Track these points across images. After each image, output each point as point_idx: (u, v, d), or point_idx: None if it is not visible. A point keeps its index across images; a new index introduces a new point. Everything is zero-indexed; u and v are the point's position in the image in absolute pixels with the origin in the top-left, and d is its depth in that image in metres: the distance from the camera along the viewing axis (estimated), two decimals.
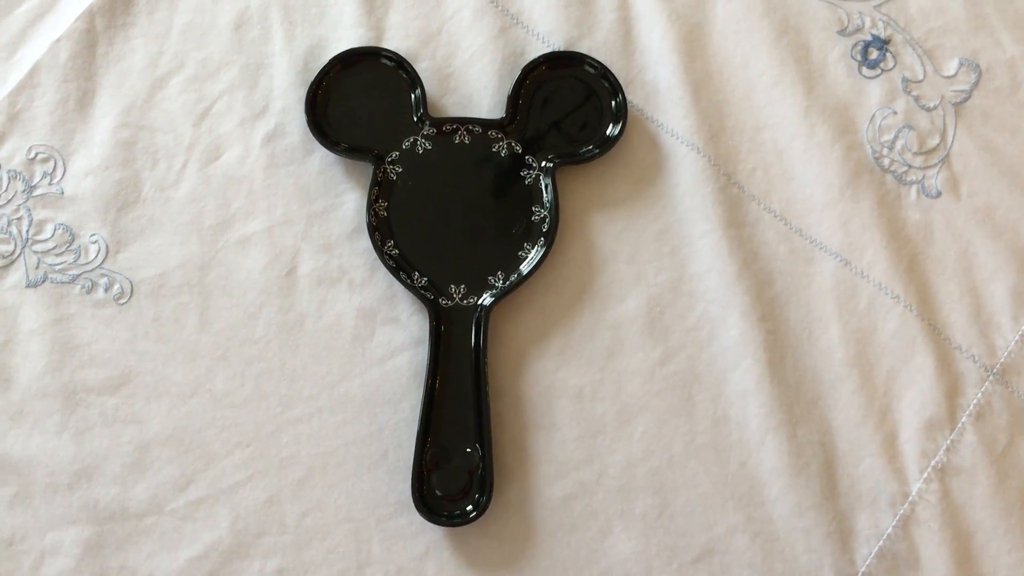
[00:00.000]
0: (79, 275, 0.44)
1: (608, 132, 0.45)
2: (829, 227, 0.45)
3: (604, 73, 0.45)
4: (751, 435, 0.43)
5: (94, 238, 0.44)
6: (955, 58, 0.47)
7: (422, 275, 0.43)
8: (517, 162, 0.44)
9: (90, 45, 0.46)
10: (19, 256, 0.44)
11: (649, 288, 0.44)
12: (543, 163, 0.44)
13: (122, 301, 0.44)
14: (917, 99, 0.47)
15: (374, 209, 0.44)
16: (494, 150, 0.45)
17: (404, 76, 0.45)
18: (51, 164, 0.45)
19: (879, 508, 0.42)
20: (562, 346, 0.44)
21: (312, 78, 0.45)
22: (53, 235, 0.44)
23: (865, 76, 0.47)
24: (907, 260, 0.45)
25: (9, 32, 0.46)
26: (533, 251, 0.43)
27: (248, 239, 0.45)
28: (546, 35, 0.47)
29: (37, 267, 0.44)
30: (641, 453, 0.43)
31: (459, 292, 0.43)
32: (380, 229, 0.44)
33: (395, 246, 0.43)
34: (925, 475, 0.43)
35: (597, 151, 0.44)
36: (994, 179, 0.46)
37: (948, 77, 0.47)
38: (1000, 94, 0.47)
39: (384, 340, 0.44)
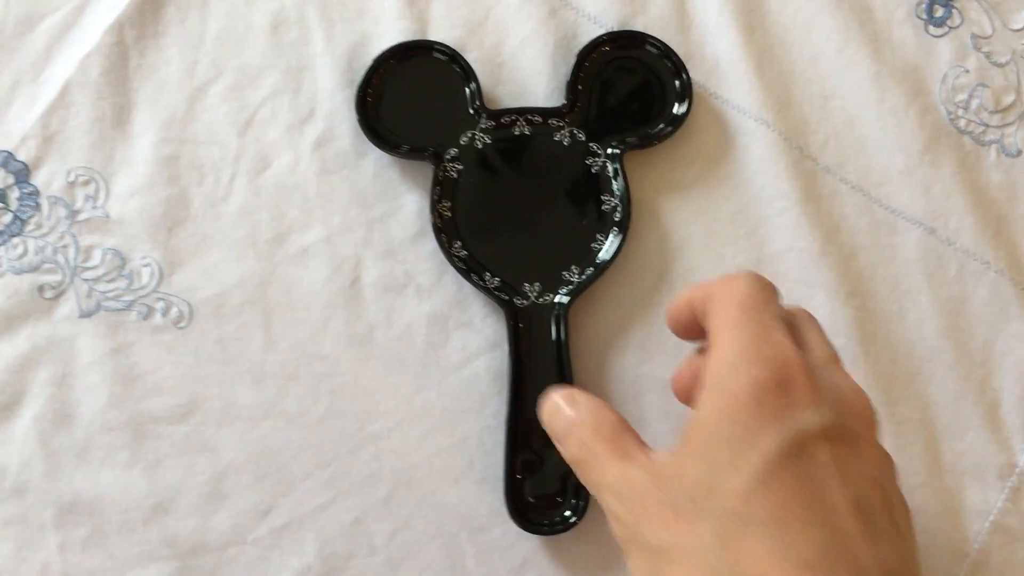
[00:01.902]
0: (134, 301, 0.43)
1: (675, 111, 0.44)
2: (910, 195, 0.45)
3: (666, 52, 0.45)
4: None
5: (146, 261, 0.43)
6: (1023, 10, 0.47)
7: (494, 275, 0.43)
8: (582, 150, 0.44)
9: (122, 58, 0.45)
10: (69, 286, 0.43)
11: (729, 272, 0.44)
12: (609, 149, 0.44)
13: (182, 325, 0.43)
14: (988, 55, 0.47)
15: (438, 210, 0.43)
16: (556, 139, 0.44)
17: (457, 70, 0.44)
18: (93, 187, 0.44)
19: (987, 482, 0.42)
20: (643, 339, 0.44)
21: (358, 77, 0.45)
22: (102, 261, 0.43)
23: (932, 35, 0.47)
24: (993, 224, 0.45)
25: (34, 51, 0.45)
26: (607, 241, 0.43)
27: (307, 250, 0.44)
28: (598, 15, 0.47)
29: (89, 296, 0.43)
30: None
31: (534, 290, 0.43)
32: (446, 231, 0.43)
33: (463, 247, 0.43)
34: None
35: (670, 129, 0.44)
36: None
37: (1017, 30, 0.47)
38: None
39: (459, 346, 0.43)
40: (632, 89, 0.45)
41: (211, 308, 0.43)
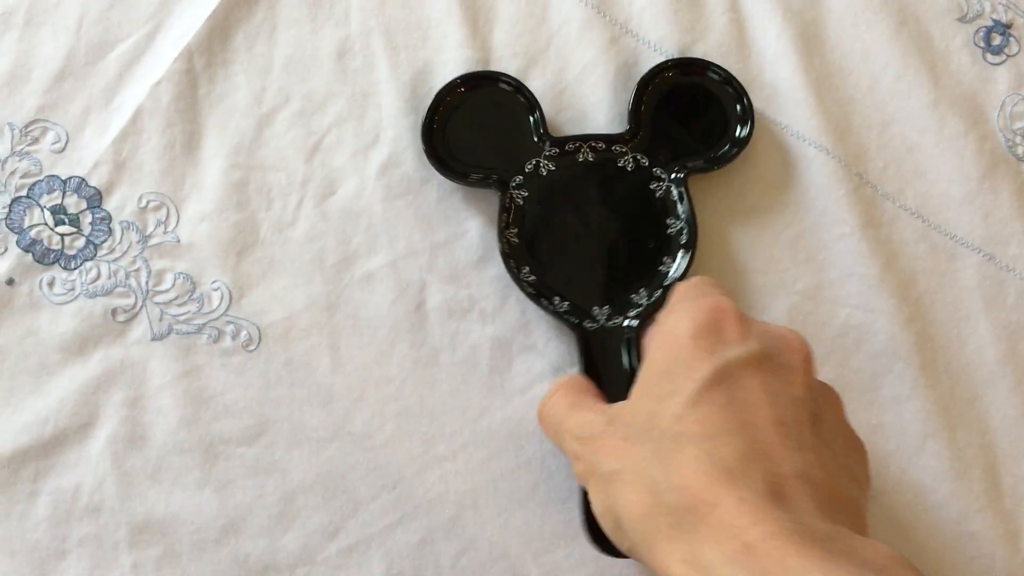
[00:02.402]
0: (204, 324, 0.44)
1: (737, 134, 0.45)
2: (969, 222, 0.46)
3: (728, 79, 0.46)
4: (910, 441, 0.43)
5: (216, 285, 0.45)
6: None
7: (563, 299, 0.44)
8: (645, 175, 0.45)
9: (191, 85, 0.46)
10: (141, 309, 0.44)
11: (789, 297, 0.45)
12: (673, 174, 0.45)
13: (251, 348, 0.44)
14: None
15: (505, 236, 0.44)
16: (620, 165, 0.45)
17: (522, 100, 0.45)
18: (164, 212, 0.45)
19: None
20: None
21: (422, 104, 0.46)
22: (174, 285, 0.45)
23: (990, 63, 0.48)
24: None
25: (105, 78, 0.47)
26: (675, 263, 0.44)
27: (373, 275, 0.45)
28: (658, 43, 0.47)
29: (161, 319, 0.44)
30: None
31: (603, 313, 0.43)
32: (514, 256, 0.44)
33: (531, 272, 0.44)
34: None
35: (734, 151, 0.45)
36: None
37: None
38: None
39: (523, 369, 0.44)
40: (694, 114, 0.46)
41: (279, 331, 0.44)
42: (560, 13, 0.48)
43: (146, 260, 0.45)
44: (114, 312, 0.44)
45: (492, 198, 0.45)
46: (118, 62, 0.47)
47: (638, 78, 0.46)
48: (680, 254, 0.44)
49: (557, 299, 0.44)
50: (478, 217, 0.46)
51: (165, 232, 0.45)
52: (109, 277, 0.44)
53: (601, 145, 0.45)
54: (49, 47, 0.47)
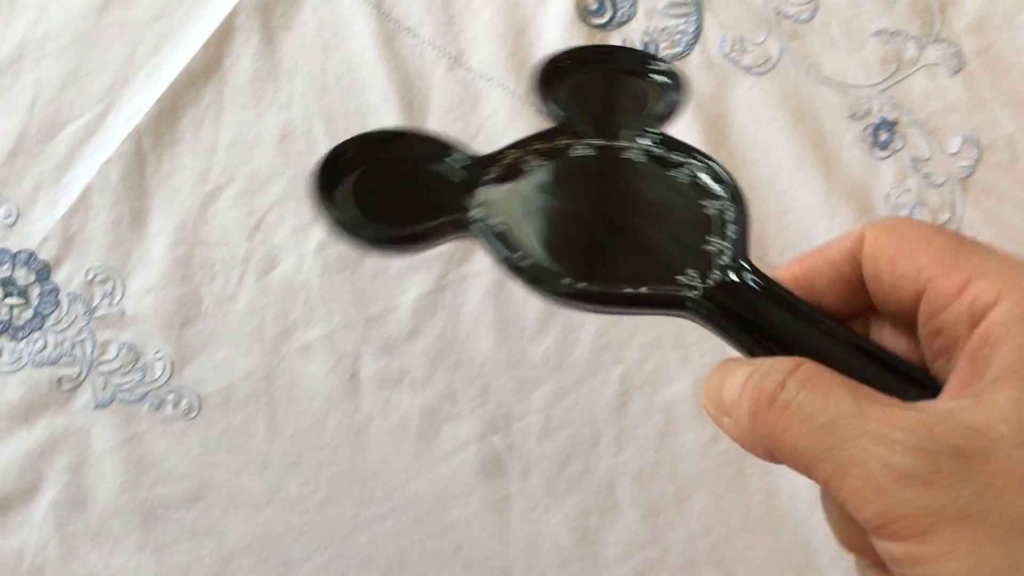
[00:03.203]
0: (147, 393, 0.47)
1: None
2: None
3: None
4: (801, 505, 0.48)
5: (159, 355, 0.47)
6: (958, 136, 0.53)
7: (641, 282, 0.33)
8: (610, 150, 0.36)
9: (139, 165, 0.50)
10: (86, 378, 0.47)
11: (696, 369, 0.49)
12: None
13: (191, 416, 0.47)
14: (926, 177, 0.53)
15: (519, 267, 0.32)
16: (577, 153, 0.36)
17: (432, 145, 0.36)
18: (110, 284, 0.48)
19: None
20: (618, 432, 0.48)
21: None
22: (118, 355, 0.47)
23: (877, 157, 0.53)
24: None
25: (56, 155, 0.50)
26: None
27: (310, 346, 0.48)
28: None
29: (104, 388, 0.47)
30: (701, 529, 0.47)
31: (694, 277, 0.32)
32: (548, 271, 0.32)
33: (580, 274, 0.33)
34: None
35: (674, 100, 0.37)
36: (1003, 248, 0.52)
37: (953, 155, 0.53)
38: (1001, 168, 0.53)
39: (449, 436, 0.48)
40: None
41: (219, 400, 0.47)
42: (490, 102, 0.52)
43: (92, 331, 0.47)
44: (59, 381, 0.47)
45: (424, 277, 0.49)
46: (69, 141, 0.50)
47: None
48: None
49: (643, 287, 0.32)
50: (410, 292, 0.49)
51: (111, 304, 0.48)
52: (55, 347, 0.47)
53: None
54: (3, 125, 0.49)
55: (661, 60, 0.39)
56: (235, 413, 0.47)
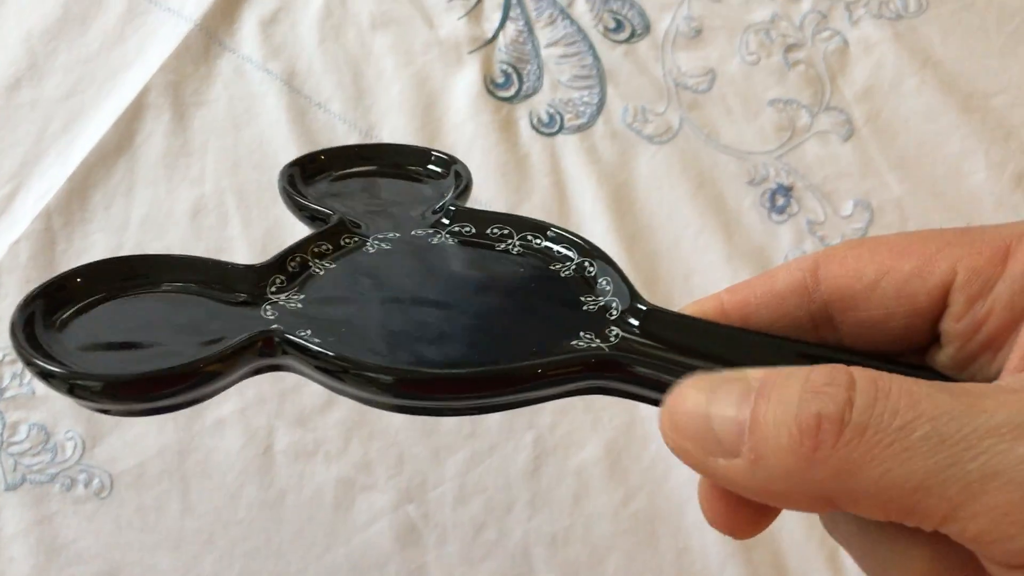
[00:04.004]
0: (58, 473, 0.47)
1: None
2: None
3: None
4: (712, 562, 0.49)
5: (69, 435, 0.48)
6: (850, 200, 0.56)
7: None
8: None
9: (49, 244, 0.50)
10: None
11: (606, 432, 0.51)
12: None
13: (103, 495, 0.47)
14: (822, 239, 0.55)
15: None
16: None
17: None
18: (19, 365, 0.48)
19: None
20: (532, 496, 0.50)
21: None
22: (28, 436, 0.47)
23: (775, 221, 0.56)
24: None
25: None
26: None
27: (223, 421, 0.49)
28: (488, 202, 0.54)
29: (15, 469, 0.47)
30: None
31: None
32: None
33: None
34: None
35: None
36: None
37: (846, 217, 0.56)
38: (891, 229, 0.56)
39: (364, 507, 0.49)
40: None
41: (131, 478, 0.47)
42: None
43: (1, 412, 0.48)
44: None
45: None
46: None
47: None
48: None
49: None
50: None
51: (20, 384, 0.48)
52: None
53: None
54: None
55: (427, 150, 0.35)
56: (147, 491, 0.47)
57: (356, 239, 0.31)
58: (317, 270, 0.30)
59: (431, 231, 0.31)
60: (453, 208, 0.32)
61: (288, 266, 0.30)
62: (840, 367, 0.19)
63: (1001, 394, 0.18)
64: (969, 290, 0.21)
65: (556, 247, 0.31)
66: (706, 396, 0.21)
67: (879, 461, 0.18)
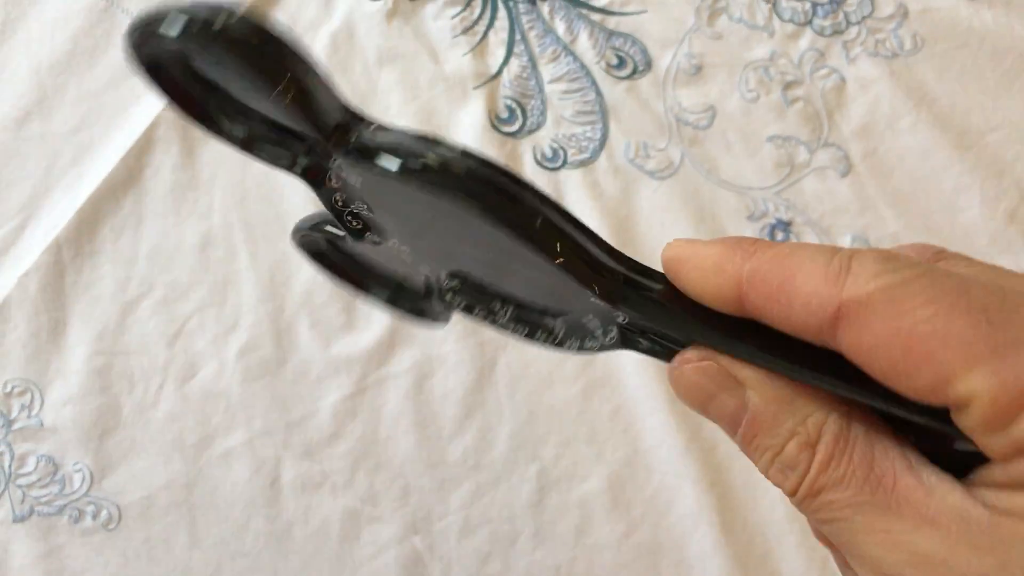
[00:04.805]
0: (65, 505, 0.48)
1: None
2: None
3: None
4: None
5: (78, 467, 0.48)
6: (848, 234, 0.57)
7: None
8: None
9: (59, 276, 0.51)
10: (4, 491, 0.47)
11: (609, 465, 0.52)
12: None
13: (111, 527, 0.48)
14: None
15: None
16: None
17: None
18: (28, 396, 0.49)
19: None
20: (536, 528, 0.50)
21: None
22: (36, 467, 0.48)
23: None
24: None
25: None
26: None
27: (230, 453, 0.50)
28: None
29: (23, 501, 0.47)
30: None
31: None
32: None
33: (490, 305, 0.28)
34: None
35: None
36: None
37: None
38: None
39: (370, 539, 0.49)
40: None
41: (139, 510, 0.48)
42: None
43: (9, 444, 0.48)
44: None
45: (344, 381, 0.51)
46: None
47: None
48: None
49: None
50: (330, 396, 0.51)
51: (29, 416, 0.49)
52: None
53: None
54: None
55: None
56: (155, 523, 0.48)
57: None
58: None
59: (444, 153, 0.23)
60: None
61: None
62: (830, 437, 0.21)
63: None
64: (993, 419, 0.19)
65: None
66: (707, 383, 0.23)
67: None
